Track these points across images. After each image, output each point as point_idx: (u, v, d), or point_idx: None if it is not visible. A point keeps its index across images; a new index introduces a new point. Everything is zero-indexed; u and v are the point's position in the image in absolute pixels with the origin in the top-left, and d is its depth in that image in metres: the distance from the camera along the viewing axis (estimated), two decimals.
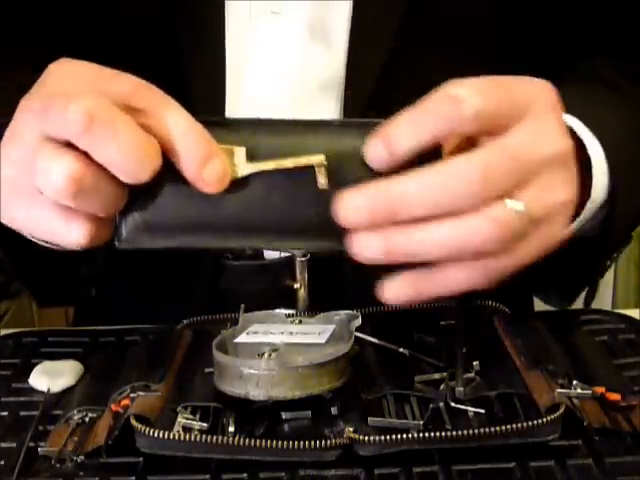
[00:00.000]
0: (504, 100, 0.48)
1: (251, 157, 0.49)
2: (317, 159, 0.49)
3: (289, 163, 0.49)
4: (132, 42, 0.68)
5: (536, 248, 0.50)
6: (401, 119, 0.48)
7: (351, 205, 0.47)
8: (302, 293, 0.62)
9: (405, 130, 0.48)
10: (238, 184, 0.49)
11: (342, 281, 0.72)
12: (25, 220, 0.52)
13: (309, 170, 0.49)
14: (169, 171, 0.48)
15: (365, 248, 0.48)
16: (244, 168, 0.49)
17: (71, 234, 0.50)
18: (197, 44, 0.68)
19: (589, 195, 0.57)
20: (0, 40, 0.70)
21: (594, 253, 0.63)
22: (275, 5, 0.68)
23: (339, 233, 0.49)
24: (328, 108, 0.70)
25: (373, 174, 0.49)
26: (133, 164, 0.47)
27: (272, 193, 0.49)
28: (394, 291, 0.50)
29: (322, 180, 0.49)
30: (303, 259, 0.61)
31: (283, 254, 0.70)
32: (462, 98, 0.47)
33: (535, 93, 0.51)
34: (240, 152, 0.49)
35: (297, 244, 0.51)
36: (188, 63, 0.68)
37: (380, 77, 0.68)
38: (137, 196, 0.50)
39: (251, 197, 0.49)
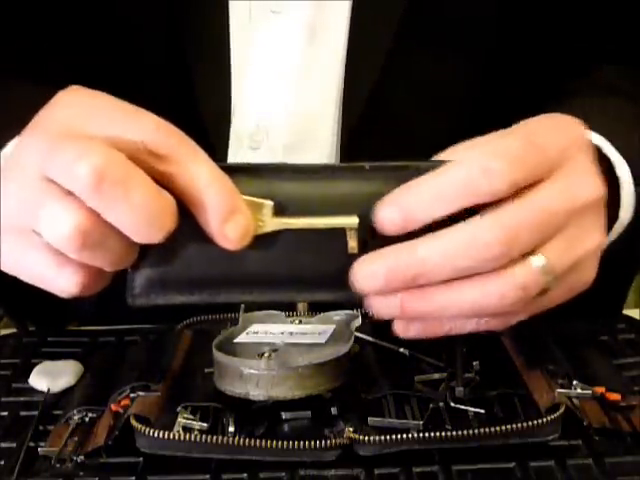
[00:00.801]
0: (538, 163, 0.46)
1: (279, 210, 0.46)
2: (350, 222, 0.46)
3: (320, 224, 0.46)
4: (135, 45, 0.68)
5: (561, 297, 0.49)
6: (424, 188, 0.46)
7: (367, 272, 0.46)
8: (302, 304, 0.62)
9: (427, 203, 0.45)
10: (263, 239, 0.46)
11: None
12: (11, 258, 0.48)
13: (339, 230, 0.46)
14: (187, 223, 0.45)
15: (381, 308, 0.47)
16: (270, 224, 0.46)
17: (62, 281, 0.46)
18: (201, 46, 0.68)
19: (616, 216, 0.55)
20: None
21: (623, 269, 0.62)
22: (275, 5, 0.68)
23: None
24: (328, 108, 0.70)
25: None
26: (145, 226, 0.44)
27: (299, 250, 0.47)
28: (403, 328, 0.48)
29: (353, 244, 0.46)
30: None
31: None
32: (496, 171, 0.44)
33: (566, 142, 0.49)
34: (267, 207, 0.46)
35: (319, 297, 0.48)
36: (193, 65, 0.68)
37: (379, 78, 0.68)
38: (150, 250, 0.46)
39: (276, 253, 0.47)
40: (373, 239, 0.46)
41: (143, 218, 0.43)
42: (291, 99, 0.70)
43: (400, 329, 0.48)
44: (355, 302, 0.49)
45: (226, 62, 0.68)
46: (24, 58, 0.69)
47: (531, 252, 0.46)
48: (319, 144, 0.71)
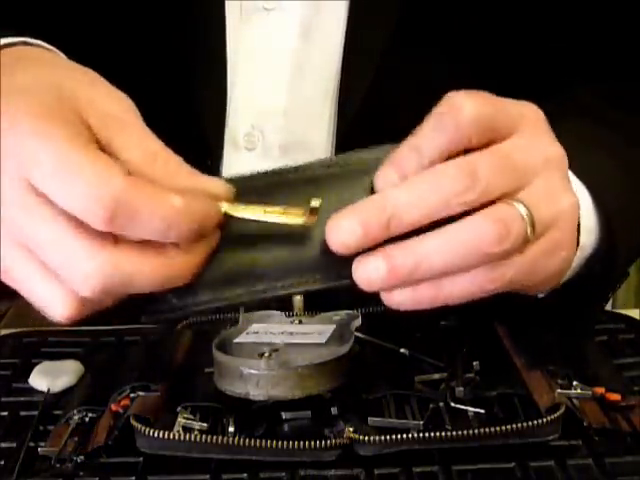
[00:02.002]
0: (500, 110, 0.49)
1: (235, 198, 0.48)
2: (314, 204, 0.47)
3: (279, 215, 0.47)
4: (131, 45, 0.68)
5: (546, 254, 0.50)
6: (406, 147, 0.48)
7: (343, 225, 0.46)
8: (298, 299, 0.62)
9: (412, 156, 0.48)
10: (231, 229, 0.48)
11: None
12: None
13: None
14: None
15: (368, 273, 0.47)
16: (229, 208, 0.47)
17: (55, 305, 0.46)
18: (198, 44, 0.68)
19: (578, 242, 0.55)
20: None
21: (595, 290, 0.62)
22: (267, 2, 0.68)
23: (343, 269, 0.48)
24: (324, 108, 0.69)
25: None
26: (176, 231, 0.44)
27: (274, 241, 0.48)
28: (397, 298, 0.48)
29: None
30: None
31: None
32: (460, 104, 0.47)
33: (524, 109, 0.51)
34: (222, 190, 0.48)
35: (306, 286, 0.49)
36: (190, 63, 0.68)
37: (375, 78, 0.68)
38: None
39: (253, 246, 0.48)
40: None
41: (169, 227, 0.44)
42: (286, 99, 0.70)
43: (387, 297, 0.48)
44: (344, 286, 0.49)
45: (222, 60, 0.68)
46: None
47: (508, 198, 0.47)
48: (314, 144, 0.71)
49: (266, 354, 0.54)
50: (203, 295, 0.48)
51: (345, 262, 0.47)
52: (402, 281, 0.47)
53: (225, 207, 0.47)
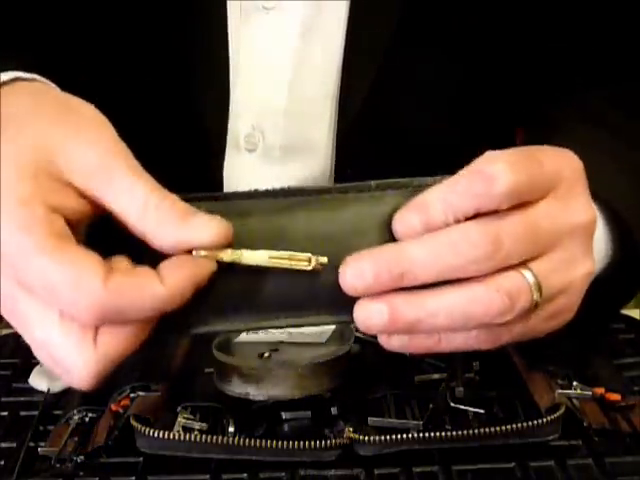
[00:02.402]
0: (536, 175, 0.47)
1: (241, 240, 0.46)
2: (321, 259, 0.46)
3: (284, 261, 0.46)
4: (132, 46, 0.68)
5: (549, 318, 0.49)
6: (435, 191, 0.46)
7: (356, 270, 0.45)
8: None
9: (438, 205, 0.46)
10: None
11: None
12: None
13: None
14: None
15: (369, 316, 0.46)
16: (229, 254, 0.45)
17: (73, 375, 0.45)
18: (200, 45, 0.68)
19: None
20: None
21: (617, 296, 0.61)
22: (266, 2, 0.68)
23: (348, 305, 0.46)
24: (325, 108, 0.69)
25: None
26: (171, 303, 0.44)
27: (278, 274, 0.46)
28: (394, 343, 0.47)
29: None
30: None
31: None
32: (494, 176, 0.45)
33: (563, 164, 0.49)
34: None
35: (307, 320, 0.48)
36: (191, 64, 0.68)
37: (376, 78, 0.68)
38: None
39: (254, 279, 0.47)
40: None
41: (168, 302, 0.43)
42: (286, 99, 0.69)
43: (384, 339, 0.47)
44: (342, 322, 0.49)
45: (224, 61, 0.68)
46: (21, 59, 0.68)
47: (521, 266, 0.46)
48: (315, 145, 0.71)
49: (266, 354, 0.54)
50: (209, 323, 0.47)
51: (348, 300, 0.46)
52: (402, 331, 0.46)
53: (225, 257, 0.45)
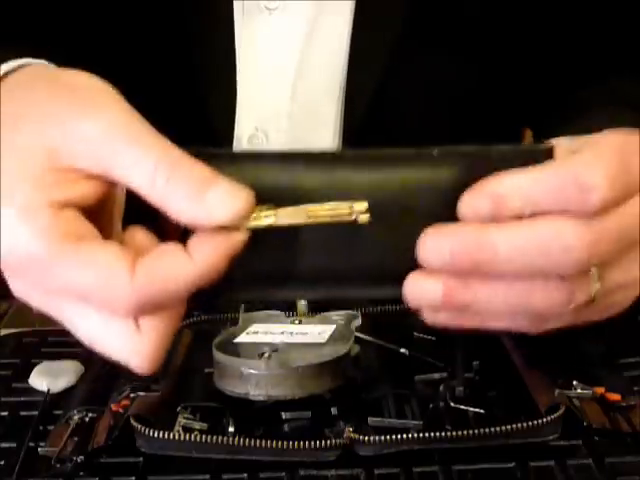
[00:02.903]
0: (630, 185, 0.44)
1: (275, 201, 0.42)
2: (360, 207, 0.42)
3: (325, 212, 0.42)
4: (141, 47, 0.67)
5: (600, 312, 0.47)
6: (515, 182, 0.42)
7: (435, 244, 0.42)
8: (302, 303, 0.61)
9: (517, 197, 0.42)
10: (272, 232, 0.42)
11: None
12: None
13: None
14: None
15: (421, 292, 0.43)
16: (266, 217, 0.41)
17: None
18: (207, 46, 0.67)
19: None
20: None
21: None
22: (269, 3, 0.67)
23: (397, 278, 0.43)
24: (329, 110, 0.69)
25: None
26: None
27: (326, 244, 0.43)
28: (440, 319, 0.45)
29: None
30: None
31: None
32: (591, 187, 0.42)
33: None
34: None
35: (348, 292, 0.45)
36: (199, 65, 0.68)
37: (382, 79, 0.67)
38: None
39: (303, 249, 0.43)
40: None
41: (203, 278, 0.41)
42: (290, 101, 0.69)
43: (429, 314, 0.45)
44: (391, 295, 0.44)
45: (231, 62, 0.68)
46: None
47: (596, 270, 0.44)
48: (320, 146, 0.70)
49: (266, 354, 0.54)
50: (245, 291, 0.45)
51: (395, 272, 0.43)
52: (452, 310, 0.44)
53: (257, 222, 0.41)
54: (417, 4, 0.66)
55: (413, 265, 0.43)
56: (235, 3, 0.67)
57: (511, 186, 0.42)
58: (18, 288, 0.43)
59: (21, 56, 0.50)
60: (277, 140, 0.70)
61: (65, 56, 0.61)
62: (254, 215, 0.41)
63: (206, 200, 0.40)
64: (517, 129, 0.81)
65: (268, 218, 0.41)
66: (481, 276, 0.43)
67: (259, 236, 0.42)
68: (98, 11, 0.67)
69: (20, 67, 0.49)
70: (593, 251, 0.42)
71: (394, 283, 0.43)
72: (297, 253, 0.43)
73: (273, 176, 0.43)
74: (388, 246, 0.43)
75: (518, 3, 0.68)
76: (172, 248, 0.41)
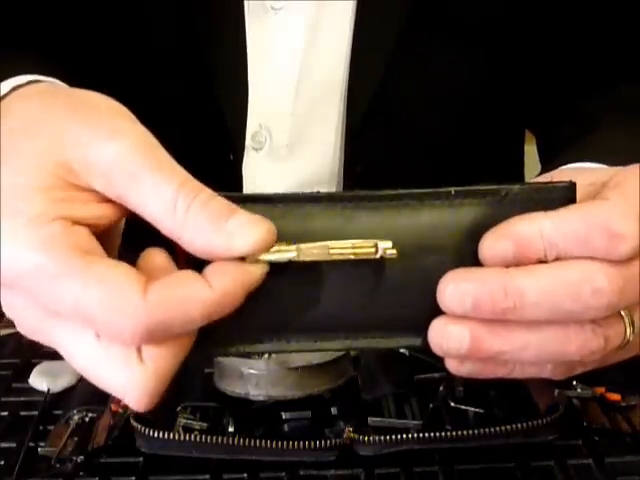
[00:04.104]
0: None
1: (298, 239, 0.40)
2: (384, 244, 0.40)
3: (347, 250, 0.40)
4: (147, 46, 0.68)
5: (625, 353, 0.45)
6: (539, 225, 0.41)
7: (456, 290, 0.40)
8: None
9: (541, 241, 0.40)
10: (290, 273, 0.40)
11: None
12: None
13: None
14: None
15: (447, 340, 0.41)
16: (287, 252, 0.39)
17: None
18: (219, 44, 0.68)
19: None
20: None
21: None
22: (275, 3, 0.68)
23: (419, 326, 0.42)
24: (332, 108, 0.69)
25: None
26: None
27: (346, 288, 0.41)
28: (464, 369, 0.42)
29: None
30: None
31: None
32: (621, 236, 0.40)
33: None
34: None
35: (370, 342, 0.42)
36: (211, 60, 0.68)
37: (384, 77, 0.68)
38: None
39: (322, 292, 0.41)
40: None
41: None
42: (294, 99, 0.69)
43: (454, 365, 0.42)
44: (416, 346, 0.42)
45: (243, 61, 0.68)
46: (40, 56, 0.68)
47: (628, 312, 0.43)
48: (323, 144, 0.71)
49: (266, 354, 0.54)
50: (258, 340, 0.42)
51: (419, 318, 0.41)
52: (479, 359, 0.42)
53: (277, 256, 0.39)
54: (419, 3, 0.66)
55: (438, 311, 0.41)
56: (245, 3, 0.67)
57: (535, 229, 0.41)
58: (14, 303, 0.40)
59: (31, 72, 0.49)
60: (281, 137, 0.70)
61: (75, 64, 0.60)
62: (275, 249, 0.39)
63: (227, 229, 0.38)
64: (519, 131, 0.81)
65: (289, 253, 0.40)
66: (510, 323, 0.41)
67: (269, 284, 0.40)
68: (110, 15, 0.67)
69: (30, 83, 0.48)
70: (623, 294, 0.41)
71: (418, 330, 0.42)
72: (311, 301, 0.41)
73: (291, 218, 0.41)
74: (410, 290, 0.42)
75: (521, 4, 0.68)
76: (189, 273, 0.39)
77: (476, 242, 0.41)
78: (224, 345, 0.42)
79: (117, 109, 0.41)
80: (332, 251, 0.40)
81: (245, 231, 0.38)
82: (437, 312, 0.41)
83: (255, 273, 0.39)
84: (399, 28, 0.66)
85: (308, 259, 0.40)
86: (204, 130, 0.70)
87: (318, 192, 0.42)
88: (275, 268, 0.40)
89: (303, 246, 0.40)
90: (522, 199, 0.42)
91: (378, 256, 0.40)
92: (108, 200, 0.39)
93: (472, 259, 0.41)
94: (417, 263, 0.41)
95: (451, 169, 0.61)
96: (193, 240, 0.38)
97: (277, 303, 0.41)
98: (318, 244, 0.40)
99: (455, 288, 0.40)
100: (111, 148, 0.39)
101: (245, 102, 0.68)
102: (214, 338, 0.41)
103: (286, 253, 0.39)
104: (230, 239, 0.38)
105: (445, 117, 0.72)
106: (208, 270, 0.39)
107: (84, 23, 0.68)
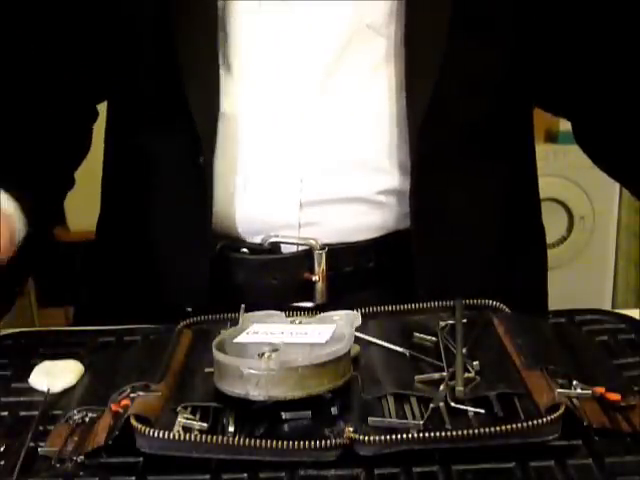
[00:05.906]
0: None
1: None
2: None
3: None
4: (130, 38, 0.68)
5: None
6: None
7: None
8: (320, 286, 0.61)
9: None
10: None
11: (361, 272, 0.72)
12: None
13: None
14: None
15: None
16: None
17: None
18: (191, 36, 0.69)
19: None
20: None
21: None
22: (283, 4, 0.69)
23: None
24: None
25: None
26: None
27: None
28: None
29: None
30: (321, 251, 0.60)
31: (300, 247, 0.70)
32: None
33: None
34: None
35: None
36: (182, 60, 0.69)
37: (439, 78, 0.69)
38: None
39: None
40: None
41: None
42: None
43: None
44: None
45: (213, 57, 0.69)
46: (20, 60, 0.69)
47: None
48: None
49: (266, 354, 0.54)
50: None
51: None
52: None
53: None
54: (459, 3, 0.67)
55: None
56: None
57: None
58: None
59: None
60: None
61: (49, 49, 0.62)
62: None
63: None
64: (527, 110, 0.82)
65: None
66: None
67: None
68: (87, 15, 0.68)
69: None
70: None
71: None
72: None
73: None
74: None
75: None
76: None
77: None
78: None
79: None
80: None
81: None
82: None
83: None
84: (446, 29, 0.68)
85: None
86: (174, 131, 0.71)
87: None
88: None
89: None
90: None
91: None
92: None
93: None
94: None
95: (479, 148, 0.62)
96: None
97: None
98: None
99: None
100: None
101: (215, 103, 0.69)
102: None
103: None
104: None
105: (487, 102, 0.73)
106: None
107: (64, 24, 0.70)
